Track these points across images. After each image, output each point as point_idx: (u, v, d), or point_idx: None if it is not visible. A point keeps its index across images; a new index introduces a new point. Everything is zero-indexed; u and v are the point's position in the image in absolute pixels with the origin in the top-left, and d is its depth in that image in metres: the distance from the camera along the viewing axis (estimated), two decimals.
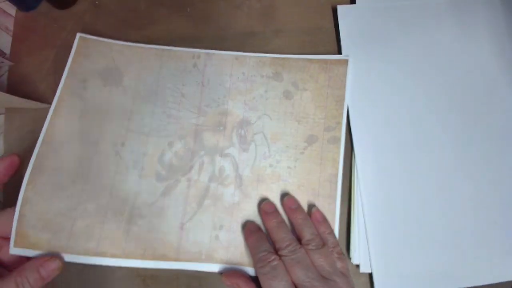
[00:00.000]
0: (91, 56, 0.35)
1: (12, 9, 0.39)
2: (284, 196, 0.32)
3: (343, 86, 0.33)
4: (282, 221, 0.30)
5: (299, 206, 0.31)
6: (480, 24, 0.36)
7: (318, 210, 0.31)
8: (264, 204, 0.31)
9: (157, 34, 0.37)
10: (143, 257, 0.30)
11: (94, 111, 0.34)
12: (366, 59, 0.35)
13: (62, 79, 0.34)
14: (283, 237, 0.28)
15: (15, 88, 0.36)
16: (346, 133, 0.33)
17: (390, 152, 0.32)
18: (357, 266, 0.31)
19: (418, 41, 0.35)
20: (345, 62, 0.33)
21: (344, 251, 0.31)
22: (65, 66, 0.34)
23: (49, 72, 0.36)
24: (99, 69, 0.35)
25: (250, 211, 0.32)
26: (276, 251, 0.28)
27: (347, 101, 0.33)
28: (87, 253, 0.30)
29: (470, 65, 0.34)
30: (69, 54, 0.35)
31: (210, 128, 0.34)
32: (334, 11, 0.37)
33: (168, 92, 0.34)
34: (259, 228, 0.31)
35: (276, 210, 0.31)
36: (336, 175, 0.32)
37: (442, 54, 0.35)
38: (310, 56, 0.33)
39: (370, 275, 0.30)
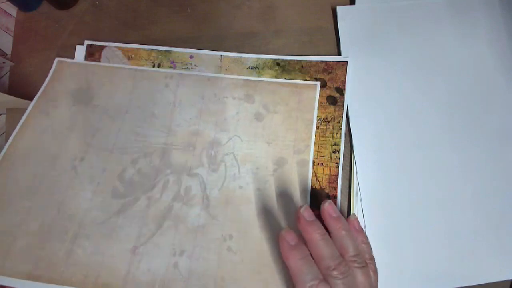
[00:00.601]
0: (65, 78, 0.35)
1: (13, 10, 0.40)
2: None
3: (312, 110, 0.33)
4: (326, 233, 0.26)
5: (340, 215, 0.27)
6: (479, 23, 0.36)
7: (356, 218, 0.28)
8: (303, 210, 0.27)
9: (157, 34, 0.38)
10: (83, 284, 0.26)
11: (59, 128, 0.33)
12: (366, 59, 0.35)
13: (33, 101, 0.34)
14: (332, 254, 0.24)
15: (16, 88, 0.36)
16: (346, 133, 0.33)
17: (389, 152, 0.32)
18: None
19: (417, 41, 0.35)
20: (315, 86, 0.34)
21: None
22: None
23: None
24: (71, 90, 0.35)
25: (217, 235, 0.29)
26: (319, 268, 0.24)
27: (347, 101, 0.34)
28: (21, 276, 0.26)
29: (470, 65, 0.34)
30: (71, 54, 0.36)
31: (179, 147, 0.32)
32: (334, 11, 0.37)
33: (138, 111, 0.34)
34: (299, 241, 0.26)
35: (316, 219, 0.27)
36: (306, 197, 0.30)
37: (441, 54, 0.35)
38: (281, 80, 0.35)
39: None
